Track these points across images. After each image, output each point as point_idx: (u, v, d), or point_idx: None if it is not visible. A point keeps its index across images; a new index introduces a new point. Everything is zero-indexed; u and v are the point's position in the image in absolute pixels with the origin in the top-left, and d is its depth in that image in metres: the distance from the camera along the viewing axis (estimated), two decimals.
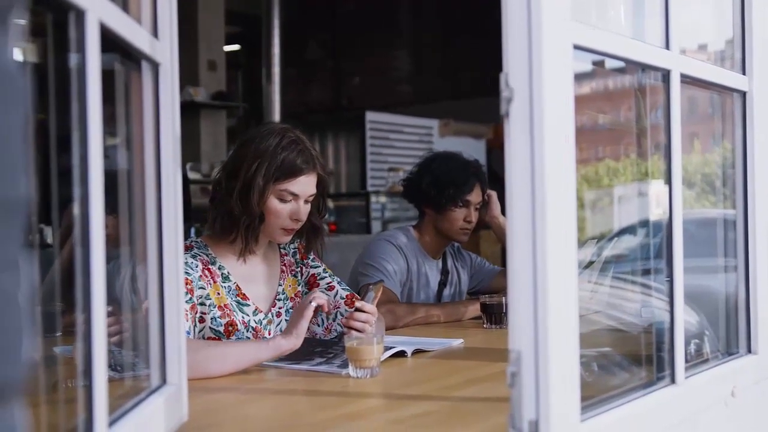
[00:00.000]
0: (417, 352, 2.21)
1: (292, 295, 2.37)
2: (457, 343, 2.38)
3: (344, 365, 1.93)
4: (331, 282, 2.41)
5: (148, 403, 1.27)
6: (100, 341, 1.01)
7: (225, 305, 2.19)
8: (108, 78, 1.09)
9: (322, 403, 1.72)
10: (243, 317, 2.21)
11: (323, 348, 2.17)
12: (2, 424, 0.59)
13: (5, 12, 0.59)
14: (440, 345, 2.32)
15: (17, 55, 0.61)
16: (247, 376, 1.92)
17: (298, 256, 2.42)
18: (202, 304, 2.14)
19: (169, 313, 1.38)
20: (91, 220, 1.00)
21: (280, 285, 2.35)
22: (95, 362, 1.01)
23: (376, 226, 7.48)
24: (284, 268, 2.38)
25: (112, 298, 1.15)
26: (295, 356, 2.03)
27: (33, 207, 0.63)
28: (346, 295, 2.37)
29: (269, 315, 2.29)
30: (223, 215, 2.20)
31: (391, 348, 2.11)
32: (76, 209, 1.00)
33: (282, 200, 2.19)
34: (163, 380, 1.37)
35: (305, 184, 2.21)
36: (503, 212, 3.16)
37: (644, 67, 1.58)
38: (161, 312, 1.37)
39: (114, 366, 1.29)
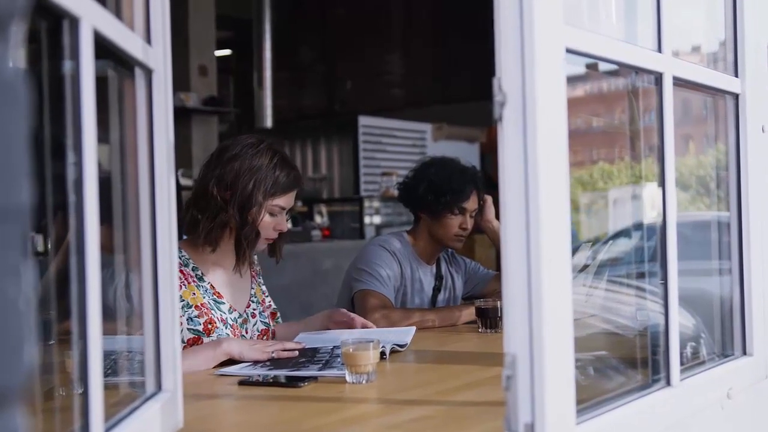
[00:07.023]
0: (393, 352, 2.22)
1: (261, 300, 2.49)
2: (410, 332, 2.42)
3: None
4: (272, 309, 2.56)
5: (143, 410, 1.26)
6: (96, 349, 1.01)
7: (202, 304, 2.27)
8: (101, 84, 1.09)
9: (318, 408, 1.71)
10: (221, 315, 2.31)
11: (312, 354, 2.16)
12: (4, 430, 0.59)
13: (6, 20, 0.59)
14: (398, 334, 2.35)
15: (17, 62, 0.61)
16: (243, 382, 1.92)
17: (259, 268, 2.55)
18: None
19: (163, 320, 1.38)
20: (86, 228, 0.99)
21: (252, 288, 2.47)
22: (91, 370, 1.00)
23: (369, 231, 7.46)
24: (254, 274, 2.51)
25: (107, 306, 1.14)
26: (292, 365, 2.02)
27: (32, 214, 0.63)
28: (262, 330, 2.46)
29: (244, 315, 2.40)
30: (217, 227, 2.28)
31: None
32: (70, 217, 0.99)
33: (271, 214, 2.32)
34: (159, 387, 1.37)
35: (292, 199, 2.37)
36: (497, 217, 3.16)
37: (637, 70, 1.58)
38: (156, 319, 1.37)
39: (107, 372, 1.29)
